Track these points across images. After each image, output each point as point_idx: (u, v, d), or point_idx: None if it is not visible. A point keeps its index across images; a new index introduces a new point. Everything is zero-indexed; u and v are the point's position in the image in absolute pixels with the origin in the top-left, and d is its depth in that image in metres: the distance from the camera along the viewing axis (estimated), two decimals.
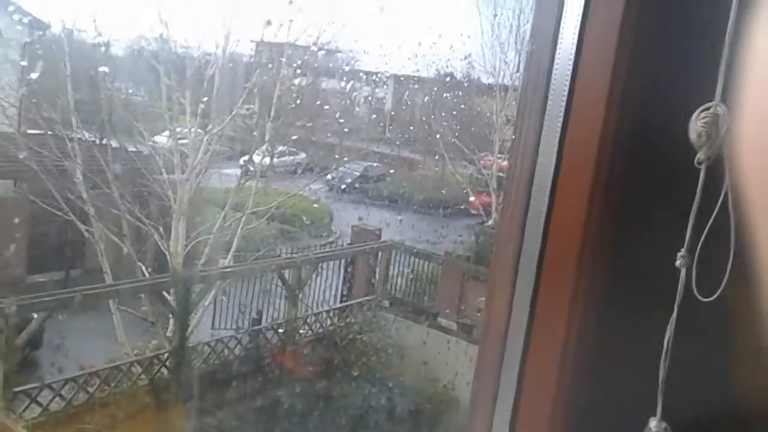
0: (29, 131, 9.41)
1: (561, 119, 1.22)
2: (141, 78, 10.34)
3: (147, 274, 8.62)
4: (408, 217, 12.23)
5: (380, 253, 10.29)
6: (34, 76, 9.23)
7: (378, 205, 12.89)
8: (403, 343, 9.15)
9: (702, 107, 0.92)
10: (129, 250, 8.53)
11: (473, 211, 12.31)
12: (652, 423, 0.98)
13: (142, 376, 7.62)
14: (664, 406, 0.97)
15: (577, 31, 1.19)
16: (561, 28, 1.21)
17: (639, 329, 1.04)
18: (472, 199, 12.57)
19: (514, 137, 1.33)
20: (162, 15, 9.03)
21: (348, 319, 9.58)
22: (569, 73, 1.20)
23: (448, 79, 13.18)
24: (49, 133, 8.79)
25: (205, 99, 9.16)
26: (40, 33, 10.12)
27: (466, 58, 12.56)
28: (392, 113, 15.66)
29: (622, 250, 1.14)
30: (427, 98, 13.59)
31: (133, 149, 9.51)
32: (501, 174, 11.55)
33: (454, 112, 13.22)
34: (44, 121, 8.92)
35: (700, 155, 0.92)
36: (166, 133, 9.51)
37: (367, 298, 9.95)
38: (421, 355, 8.77)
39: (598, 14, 1.18)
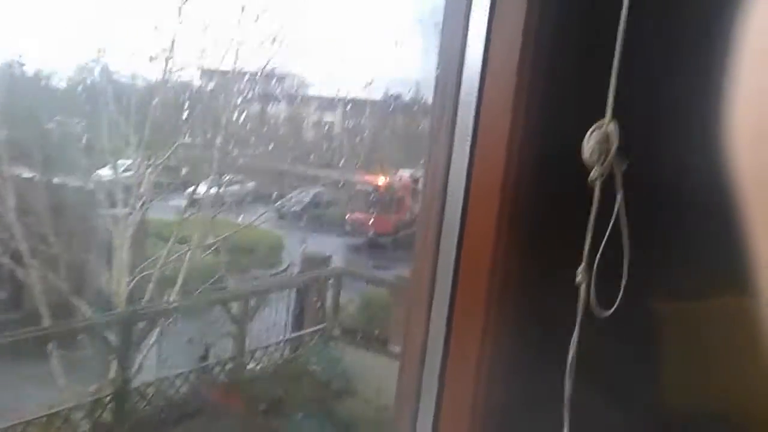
0: None
1: (469, 140, 1.23)
2: (82, 110, 10.12)
3: (87, 315, 8.34)
4: (360, 242, 12.20)
5: (331, 281, 10.21)
6: None
7: (329, 232, 12.85)
8: (354, 372, 9.05)
9: (594, 126, 0.93)
10: (68, 290, 8.25)
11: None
12: None
13: (83, 422, 7.32)
14: (571, 423, 0.97)
15: (481, 54, 1.20)
16: (466, 53, 1.23)
17: (548, 345, 1.04)
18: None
19: (424, 161, 1.34)
20: (103, 46, 8.90)
21: (297, 351, 9.43)
22: (475, 97, 1.22)
23: (395, 101, 13.29)
24: None
25: (147, 130, 9.01)
26: None
27: (412, 80, 12.72)
28: (342, 136, 15.71)
29: (531, 267, 1.15)
30: (376, 121, 13.68)
31: (74, 184, 9.26)
32: None
33: (403, 134, 13.32)
34: None
35: (593, 173, 0.92)
36: (109, 166, 9.29)
37: (318, 327, 9.83)
38: (373, 383, 8.68)
39: (500, 34, 1.20)
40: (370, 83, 11.53)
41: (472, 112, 1.20)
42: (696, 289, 1.08)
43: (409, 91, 13.40)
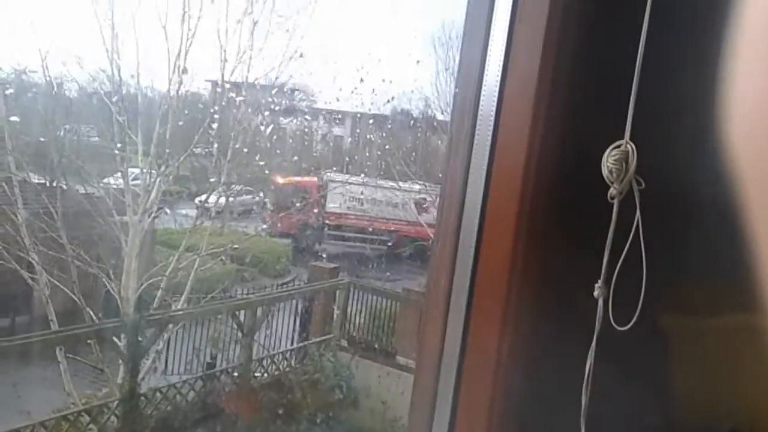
0: None
1: (487, 155, 1.25)
2: (93, 118, 10.20)
3: (96, 320, 8.37)
4: (367, 254, 12.21)
5: (338, 292, 10.21)
6: None
7: (336, 243, 12.87)
8: (361, 383, 9.04)
9: (613, 145, 0.96)
10: (77, 295, 8.28)
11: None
12: None
13: (91, 426, 7.34)
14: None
15: (499, 72, 1.23)
16: (485, 70, 1.25)
17: (565, 357, 1.06)
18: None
19: (442, 174, 1.36)
20: (115, 55, 8.98)
21: (304, 360, 9.43)
22: (493, 113, 1.24)
23: (404, 116, 13.36)
24: None
25: (158, 139, 9.07)
26: None
27: (421, 96, 12.82)
28: (350, 150, 15.77)
29: (547, 280, 1.16)
30: (384, 135, 13.72)
31: (84, 191, 9.32)
32: None
33: (411, 149, 13.37)
34: None
35: (612, 190, 0.95)
36: (119, 174, 9.36)
37: (325, 337, 9.84)
38: (380, 395, 8.67)
39: (519, 52, 1.22)
40: (381, 98, 11.63)
41: (491, 127, 1.22)
42: (706, 306, 1.10)
43: (416, 108, 13.54)
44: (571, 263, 1.11)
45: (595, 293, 0.97)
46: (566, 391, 1.02)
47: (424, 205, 12.08)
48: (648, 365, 1.08)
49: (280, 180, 10.53)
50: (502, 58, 1.23)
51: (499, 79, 1.23)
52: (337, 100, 11.85)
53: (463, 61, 1.37)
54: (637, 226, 0.92)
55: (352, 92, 10.44)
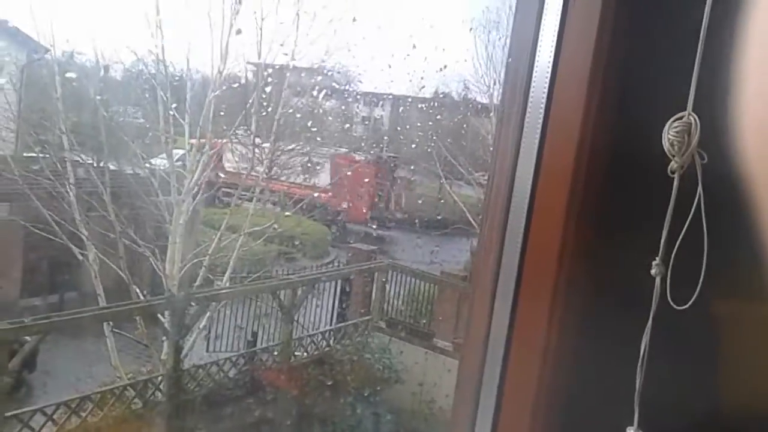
0: (25, 154, 9.43)
1: (539, 132, 1.22)
2: (139, 100, 10.39)
3: (142, 297, 8.59)
4: (405, 237, 12.22)
5: (376, 274, 10.26)
6: (29, 99, 9.28)
7: (375, 225, 12.89)
8: (398, 364, 9.09)
9: (674, 117, 0.93)
10: (124, 272, 8.50)
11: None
12: None
13: (136, 400, 7.55)
14: (640, 414, 0.96)
15: (554, 44, 1.20)
16: (539, 42, 1.22)
17: (617, 338, 1.03)
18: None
19: (492, 150, 1.34)
20: (160, 38, 9.10)
21: (343, 341, 9.52)
22: (546, 86, 1.21)
23: (444, 99, 13.27)
24: (45, 156, 8.81)
25: (202, 121, 9.20)
26: (39, 56, 10.18)
27: (461, 79, 12.70)
28: (389, 133, 15.75)
29: (600, 258, 1.14)
30: (424, 118, 13.66)
31: (131, 171, 9.53)
32: None
33: (451, 132, 13.28)
34: (40, 144, 8.94)
35: (673, 164, 0.92)
36: (164, 155, 9.53)
37: (363, 319, 9.90)
38: (417, 377, 8.70)
39: (574, 28, 1.19)
40: (420, 81, 11.55)
41: (542, 105, 1.19)
42: (762, 289, 1.06)
43: (457, 90, 13.43)
44: (626, 241, 1.08)
45: (653, 271, 0.95)
46: (619, 373, 1.00)
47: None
48: (703, 348, 1.05)
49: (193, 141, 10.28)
50: (556, 31, 1.19)
51: (552, 53, 1.20)
52: (379, 82, 11.84)
53: (515, 39, 1.34)
54: (699, 201, 0.89)
55: (390, 75, 10.39)
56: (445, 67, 10.59)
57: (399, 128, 15.05)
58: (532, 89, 1.22)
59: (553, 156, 1.19)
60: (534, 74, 1.22)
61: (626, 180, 1.11)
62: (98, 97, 9.50)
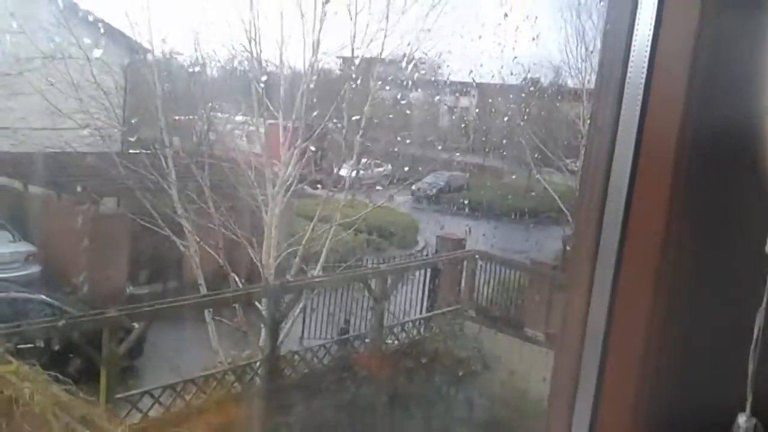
0: (131, 151, 9.99)
1: (638, 114, 1.18)
2: (234, 97, 10.77)
3: (240, 285, 8.93)
4: (494, 226, 12.10)
5: (465, 263, 10.22)
6: (132, 99, 9.82)
7: (463, 215, 12.85)
8: (489, 353, 9.04)
9: None
10: (223, 262, 8.86)
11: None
12: (741, 419, 0.94)
13: (236, 384, 7.87)
14: (753, 401, 0.93)
15: (651, 31, 1.16)
16: (636, 17, 1.18)
17: (726, 322, 1.00)
18: None
19: (587, 134, 1.32)
20: (255, 35, 9.38)
21: (433, 329, 9.56)
22: (645, 68, 1.17)
23: (533, 85, 13.02)
24: (147, 152, 9.29)
25: (294, 115, 9.43)
26: (140, 57, 10.74)
27: (551, 63, 12.43)
28: (477, 122, 15.60)
29: (706, 243, 1.11)
30: (513, 105, 13.45)
31: (228, 165, 9.89)
32: None
33: (541, 119, 13.03)
34: (142, 141, 9.43)
35: None
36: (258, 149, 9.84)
37: (453, 307, 9.90)
38: (508, 366, 8.63)
39: (673, 15, 1.15)
40: (508, 68, 11.37)
41: (640, 94, 1.15)
42: None
43: (546, 75, 13.13)
44: (734, 223, 1.05)
45: (767, 248, 0.91)
46: (729, 359, 0.97)
47: None
48: None
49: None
50: (653, 20, 1.16)
51: (649, 42, 1.16)
52: (466, 70, 11.72)
53: (610, 26, 1.30)
54: None
55: (478, 63, 10.26)
56: (538, 36, 10.30)
57: (488, 116, 14.89)
58: (629, 70, 1.18)
59: (651, 148, 1.14)
60: (631, 54, 1.18)
61: (735, 156, 1.07)
62: (196, 94, 9.92)
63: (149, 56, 10.02)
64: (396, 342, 9.24)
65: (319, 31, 9.30)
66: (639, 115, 1.15)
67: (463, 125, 15.73)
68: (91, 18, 9.73)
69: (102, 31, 9.69)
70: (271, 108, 9.43)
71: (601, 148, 1.22)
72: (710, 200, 1.10)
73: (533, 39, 10.52)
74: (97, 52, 9.29)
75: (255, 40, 9.37)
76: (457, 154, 14.63)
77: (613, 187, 1.21)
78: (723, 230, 1.08)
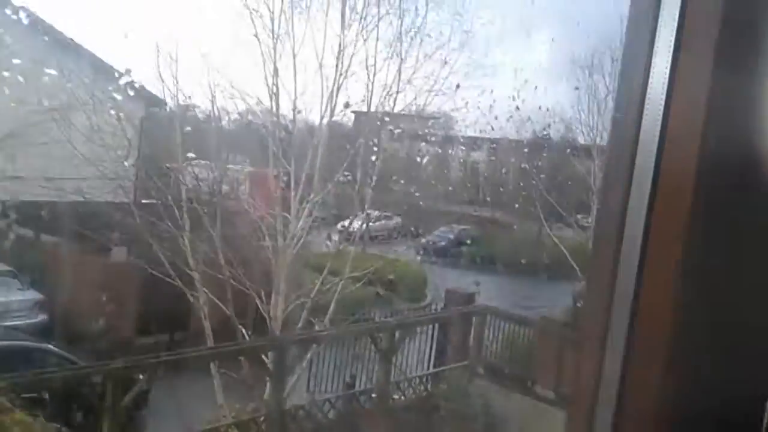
0: (143, 201, 10.06)
1: (650, 184, 1.18)
2: (249, 149, 10.89)
3: (247, 337, 8.86)
4: (503, 281, 12.03)
5: (474, 318, 10.11)
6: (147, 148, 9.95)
7: (472, 269, 12.79)
8: (498, 412, 8.84)
9: None
10: (231, 313, 8.81)
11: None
12: None
13: None
14: None
15: (665, 83, 1.17)
16: (647, 91, 1.19)
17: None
18: None
19: (598, 203, 1.33)
20: (274, 89, 9.54)
21: (441, 386, 9.39)
22: (658, 131, 1.18)
23: (544, 140, 13.18)
24: (160, 202, 9.36)
25: (308, 168, 9.52)
26: (157, 109, 10.92)
27: (562, 119, 12.61)
28: (486, 176, 15.72)
29: (719, 299, 1.09)
30: (524, 160, 13.58)
31: (239, 216, 9.94)
32: None
33: (551, 174, 13.12)
34: (156, 191, 9.52)
35: None
36: None
37: (461, 363, 9.75)
38: (518, 425, 8.43)
39: (687, 67, 1.16)
40: (519, 124, 11.55)
41: (653, 150, 1.16)
42: None
43: (556, 131, 13.30)
44: (745, 286, 1.04)
45: None
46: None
47: None
48: None
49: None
50: (666, 84, 1.17)
51: (663, 103, 1.17)
52: (477, 125, 11.87)
53: (623, 86, 1.32)
54: None
55: (488, 118, 10.45)
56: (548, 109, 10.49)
57: (499, 171, 15.01)
58: (640, 141, 1.19)
59: (667, 195, 1.14)
60: (642, 126, 1.19)
61: (745, 220, 1.07)
62: (211, 146, 10.06)
63: (167, 108, 10.20)
64: (402, 398, 9.07)
65: (338, 89, 9.49)
66: (653, 171, 1.15)
67: (474, 179, 15.84)
68: (116, 74, 9.87)
69: (131, 92, 9.81)
70: (283, 161, 9.53)
71: (615, 203, 1.22)
72: (722, 262, 1.09)
73: (544, 94, 10.73)
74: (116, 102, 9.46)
75: (275, 94, 9.54)
76: (468, 207, 14.67)
77: (626, 247, 1.21)
78: (734, 296, 1.06)
